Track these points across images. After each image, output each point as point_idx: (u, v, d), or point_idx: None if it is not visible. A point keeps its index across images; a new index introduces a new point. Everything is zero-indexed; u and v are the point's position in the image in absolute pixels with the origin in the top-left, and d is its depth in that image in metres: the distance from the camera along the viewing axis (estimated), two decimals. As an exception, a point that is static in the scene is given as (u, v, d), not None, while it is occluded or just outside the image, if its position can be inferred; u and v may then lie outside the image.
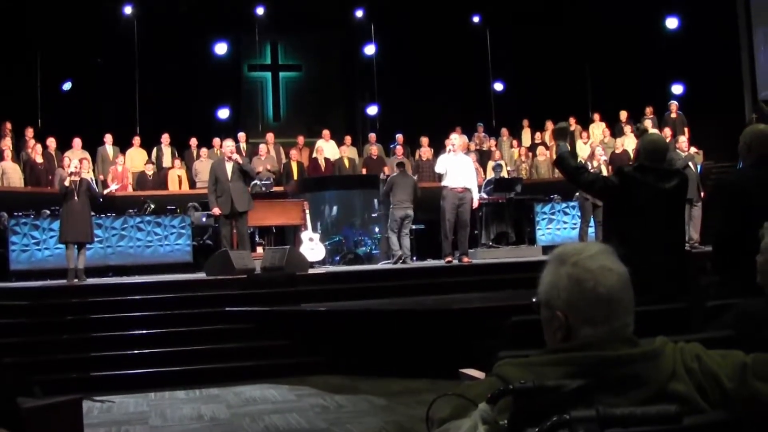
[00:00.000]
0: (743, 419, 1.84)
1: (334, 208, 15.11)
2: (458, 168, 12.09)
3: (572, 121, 17.28)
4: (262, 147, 16.66)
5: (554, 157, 5.51)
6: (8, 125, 15.38)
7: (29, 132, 15.64)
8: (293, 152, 16.76)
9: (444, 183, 12.14)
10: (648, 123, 16.50)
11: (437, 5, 19.13)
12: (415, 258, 13.48)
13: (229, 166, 11.81)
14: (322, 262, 13.25)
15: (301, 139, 17.71)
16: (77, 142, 15.73)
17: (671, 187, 4.98)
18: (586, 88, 18.99)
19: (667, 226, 5.02)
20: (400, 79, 19.45)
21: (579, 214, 13.43)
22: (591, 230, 12.99)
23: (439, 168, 12.27)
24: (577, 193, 13.05)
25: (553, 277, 1.94)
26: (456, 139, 12.61)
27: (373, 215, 14.61)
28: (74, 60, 17.40)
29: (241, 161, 12.00)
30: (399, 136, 17.57)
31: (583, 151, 15.78)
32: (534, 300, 2.01)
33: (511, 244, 14.30)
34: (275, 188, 15.17)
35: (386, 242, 13.83)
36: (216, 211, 11.80)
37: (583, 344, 1.87)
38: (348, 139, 17.96)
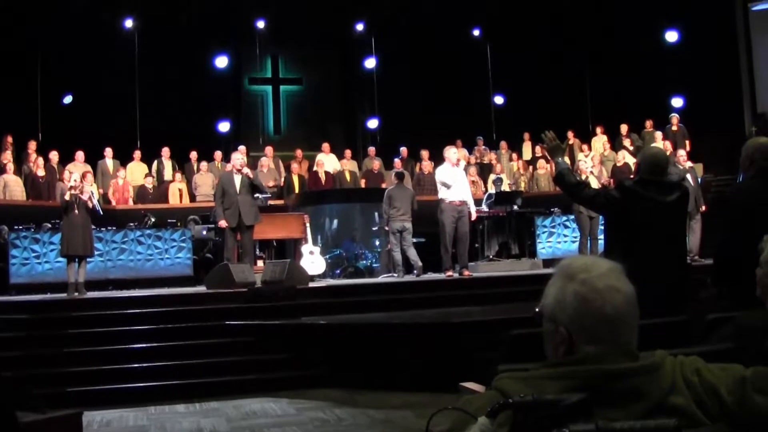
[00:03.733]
0: (742, 433, 1.84)
1: (335, 222, 15.09)
2: (457, 181, 12.08)
3: (570, 134, 17.30)
4: (264, 160, 16.67)
5: (554, 173, 5.52)
6: (9, 138, 15.40)
7: (32, 145, 15.62)
8: (294, 165, 16.75)
9: (443, 196, 12.06)
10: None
11: (437, 19, 19.17)
12: (415, 271, 13.42)
13: (237, 179, 11.78)
14: (323, 276, 13.23)
15: (299, 153, 17.70)
16: (80, 155, 15.74)
17: (672, 200, 4.97)
18: (586, 101, 19.01)
19: (668, 240, 5.00)
20: (401, 93, 19.47)
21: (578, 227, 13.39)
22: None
23: (446, 179, 12.03)
24: (574, 207, 13.01)
25: (560, 293, 1.92)
26: (454, 152, 12.51)
27: (374, 228, 14.60)
28: (75, 73, 17.43)
29: (252, 175, 12.01)
30: (403, 149, 17.60)
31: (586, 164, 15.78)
32: (537, 310, 2.00)
33: (512, 257, 14.29)
34: (276, 202, 15.16)
35: (386, 255, 13.80)
36: (222, 223, 11.74)
37: (583, 358, 1.87)
38: (348, 152, 17.98)
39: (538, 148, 18.36)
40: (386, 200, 12.80)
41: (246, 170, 11.97)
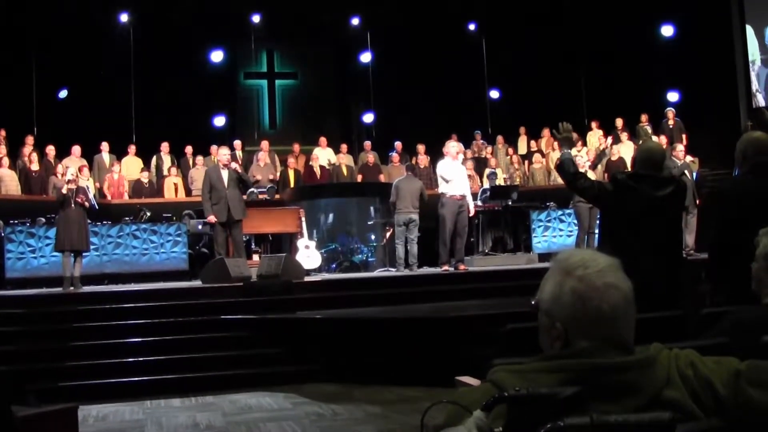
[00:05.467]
0: (737, 426, 1.84)
1: (330, 216, 15.10)
2: (458, 175, 12.05)
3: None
4: (261, 155, 16.67)
5: (551, 163, 5.57)
6: (3, 133, 15.36)
7: (29, 140, 15.59)
8: (290, 160, 16.73)
9: (443, 190, 12.00)
10: (648, 129, 16.57)
11: (433, 13, 19.16)
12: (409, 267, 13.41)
13: (225, 174, 11.73)
14: (318, 270, 13.24)
15: (297, 147, 17.69)
16: (76, 149, 15.76)
17: (665, 194, 4.96)
18: (582, 96, 19.00)
19: (661, 234, 4.99)
20: (396, 87, 19.45)
21: (575, 221, 13.40)
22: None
23: (447, 173, 12.00)
24: (572, 201, 13.02)
25: (557, 288, 1.91)
26: (454, 146, 12.49)
27: (369, 223, 14.59)
28: (70, 68, 17.39)
29: (240, 170, 11.99)
30: (398, 144, 17.58)
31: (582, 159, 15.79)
32: (533, 302, 1.99)
33: (508, 251, 14.31)
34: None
35: (382, 250, 13.79)
36: (211, 218, 11.70)
37: (578, 352, 1.86)
38: (344, 147, 17.97)
39: (533, 143, 18.39)
40: (393, 192, 12.73)
41: (234, 165, 11.94)
